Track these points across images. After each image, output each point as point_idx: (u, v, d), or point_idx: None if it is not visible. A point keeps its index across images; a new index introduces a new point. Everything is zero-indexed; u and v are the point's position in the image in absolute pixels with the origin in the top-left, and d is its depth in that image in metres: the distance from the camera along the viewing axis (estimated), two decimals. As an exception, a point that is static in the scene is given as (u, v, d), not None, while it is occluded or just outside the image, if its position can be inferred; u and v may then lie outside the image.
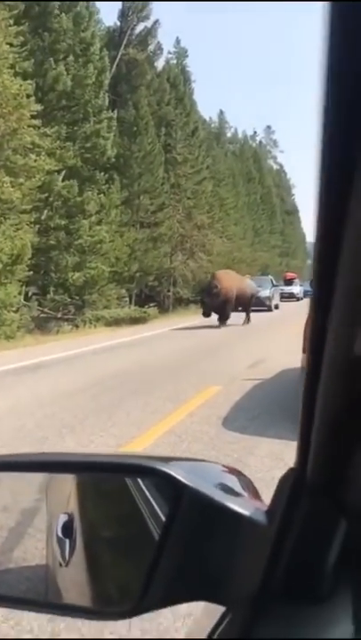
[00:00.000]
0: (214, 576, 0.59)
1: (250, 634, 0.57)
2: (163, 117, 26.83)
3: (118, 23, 26.37)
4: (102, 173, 19.63)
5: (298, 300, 34.66)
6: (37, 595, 0.84)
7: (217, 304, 16.82)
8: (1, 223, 14.12)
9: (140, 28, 26.98)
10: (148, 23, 27.21)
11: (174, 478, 0.60)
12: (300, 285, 38.14)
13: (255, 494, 0.67)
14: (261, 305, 23.85)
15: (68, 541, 0.93)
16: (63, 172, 17.40)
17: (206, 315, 17.17)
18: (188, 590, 0.60)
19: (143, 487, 0.80)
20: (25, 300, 16.61)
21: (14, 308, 14.96)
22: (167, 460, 0.67)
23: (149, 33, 27.54)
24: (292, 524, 0.57)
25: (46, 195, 16.77)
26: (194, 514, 0.59)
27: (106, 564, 0.78)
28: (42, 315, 17.66)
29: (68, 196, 17.67)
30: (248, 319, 18.14)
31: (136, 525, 0.76)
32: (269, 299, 25.54)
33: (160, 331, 15.83)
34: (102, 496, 0.99)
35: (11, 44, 14.35)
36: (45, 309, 17.87)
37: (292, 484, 0.57)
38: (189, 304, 27.21)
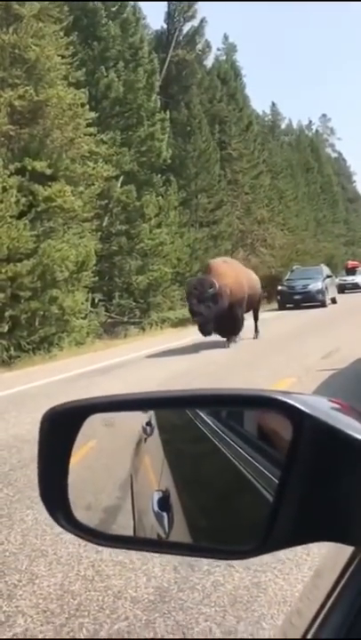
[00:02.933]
0: (343, 514, 0.54)
1: None
2: (216, 115, 26.72)
3: (165, 26, 26.48)
4: (159, 176, 19.73)
5: (364, 290, 33.09)
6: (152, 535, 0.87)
7: (219, 311, 10.98)
8: (65, 232, 14.41)
9: (187, 28, 27.00)
10: (195, 22, 27.16)
11: (295, 408, 0.55)
12: (366, 273, 36.47)
13: None
14: (312, 300, 20.70)
15: (166, 515, 0.91)
16: (121, 178, 17.59)
17: (206, 331, 11.29)
18: (314, 529, 0.54)
19: (249, 420, 0.76)
20: (92, 306, 16.89)
21: (82, 315, 15.23)
22: (282, 392, 0.60)
23: (197, 32, 27.48)
24: None
25: (106, 201, 17.00)
26: (318, 446, 0.54)
27: (220, 505, 0.74)
28: (109, 320, 17.91)
29: (128, 201, 17.84)
30: (257, 330, 12.87)
31: (246, 461, 0.72)
32: (322, 292, 21.23)
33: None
34: (201, 435, 0.97)
35: (62, 56, 14.64)
36: (112, 314, 18.11)
37: None
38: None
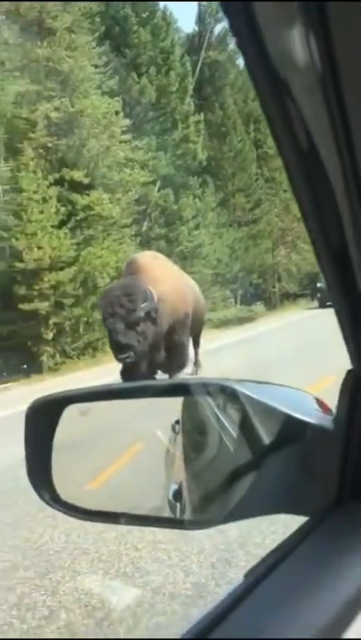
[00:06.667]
0: (290, 487, 0.60)
1: (332, 541, 0.55)
2: (250, 114, 26.58)
3: (196, 28, 26.56)
4: (195, 178, 19.80)
5: None
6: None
7: (156, 341, 6.99)
8: (104, 239, 14.63)
9: (218, 29, 27.01)
10: (226, 23, 27.09)
11: (242, 393, 0.61)
12: None
13: (328, 410, 0.65)
14: None
15: (178, 505, 0.99)
16: (158, 182, 17.74)
17: (137, 377, 6.59)
18: (267, 502, 0.61)
19: (213, 406, 0.83)
20: (134, 310, 17.05)
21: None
22: (240, 380, 0.67)
23: (228, 33, 27.43)
24: (356, 423, 0.56)
25: (144, 206, 17.18)
26: (262, 426, 0.60)
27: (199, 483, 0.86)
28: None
29: (165, 205, 17.99)
30: (197, 363, 8.80)
31: (219, 443, 0.80)
32: None
33: (268, 327, 15.61)
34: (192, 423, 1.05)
35: (96, 66, 14.90)
36: (154, 317, 18.23)
37: (351, 385, 0.57)
38: (297, 298, 26.65)
